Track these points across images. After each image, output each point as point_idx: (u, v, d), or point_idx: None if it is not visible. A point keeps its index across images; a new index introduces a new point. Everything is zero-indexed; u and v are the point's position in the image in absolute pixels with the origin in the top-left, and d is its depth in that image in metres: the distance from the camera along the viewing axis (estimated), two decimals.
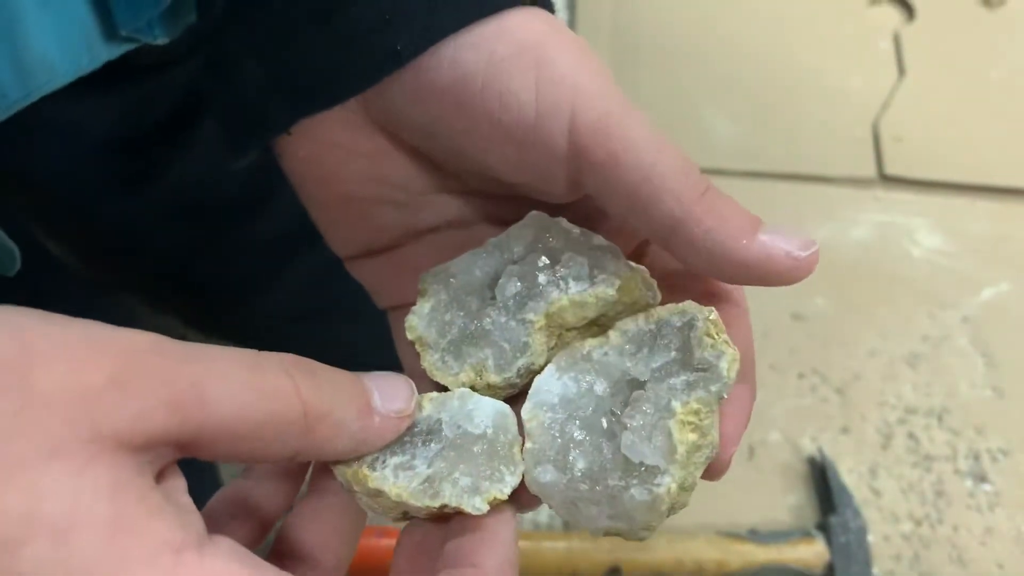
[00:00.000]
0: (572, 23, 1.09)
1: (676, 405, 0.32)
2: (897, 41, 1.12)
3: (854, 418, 0.89)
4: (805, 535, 0.80)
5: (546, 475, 0.33)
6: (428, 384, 0.37)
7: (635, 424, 0.32)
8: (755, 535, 0.80)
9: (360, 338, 0.55)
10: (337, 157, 0.37)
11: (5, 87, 0.35)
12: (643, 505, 0.31)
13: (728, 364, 0.32)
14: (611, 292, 0.35)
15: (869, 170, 1.03)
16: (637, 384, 0.33)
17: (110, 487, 0.25)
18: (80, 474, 0.25)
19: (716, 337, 0.32)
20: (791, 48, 1.11)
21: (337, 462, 0.33)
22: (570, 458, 0.33)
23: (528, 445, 0.34)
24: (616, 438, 0.32)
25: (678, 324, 0.33)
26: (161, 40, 0.38)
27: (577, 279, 0.35)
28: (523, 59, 0.33)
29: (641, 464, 0.32)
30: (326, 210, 0.39)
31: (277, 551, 0.35)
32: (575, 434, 0.33)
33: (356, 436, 0.31)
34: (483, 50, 0.33)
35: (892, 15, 1.15)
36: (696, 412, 0.32)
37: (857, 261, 0.98)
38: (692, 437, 0.31)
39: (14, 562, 0.24)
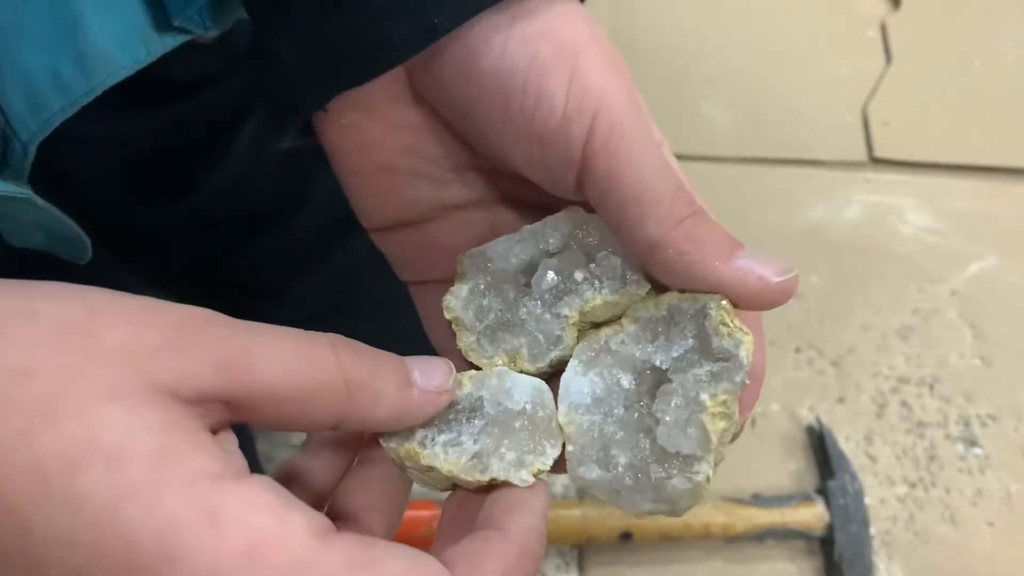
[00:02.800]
0: None
1: (705, 398, 0.32)
2: (884, 29, 1.13)
3: (850, 389, 0.91)
4: (806, 499, 0.82)
5: (591, 473, 0.34)
6: (460, 361, 0.39)
7: (669, 419, 0.32)
8: (758, 499, 0.81)
9: (381, 334, 0.57)
10: (379, 127, 0.38)
11: (69, 83, 0.37)
12: (686, 492, 0.32)
13: (747, 352, 0.32)
14: (641, 294, 0.35)
15: (859, 153, 1.04)
16: (658, 371, 0.34)
17: (160, 424, 0.28)
18: (134, 412, 0.28)
19: (731, 324, 0.32)
20: (783, 39, 1.12)
21: (389, 440, 0.35)
22: (612, 455, 0.34)
23: (569, 448, 0.35)
24: (651, 431, 0.33)
25: (690, 312, 0.33)
26: (211, 32, 0.38)
27: (611, 279, 0.36)
28: (562, 61, 0.34)
29: (678, 453, 0.32)
30: (360, 179, 0.39)
31: (329, 518, 0.36)
32: (614, 434, 0.34)
33: (396, 407, 0.33)
34: (530, 47, 0.34)
35: (878, 4, 1.16)
36: (724, 403, 0.32)
37: (850, 240, 0.99)
38: (722, 424, 0.32)
39: (74, 481, 0.27)
